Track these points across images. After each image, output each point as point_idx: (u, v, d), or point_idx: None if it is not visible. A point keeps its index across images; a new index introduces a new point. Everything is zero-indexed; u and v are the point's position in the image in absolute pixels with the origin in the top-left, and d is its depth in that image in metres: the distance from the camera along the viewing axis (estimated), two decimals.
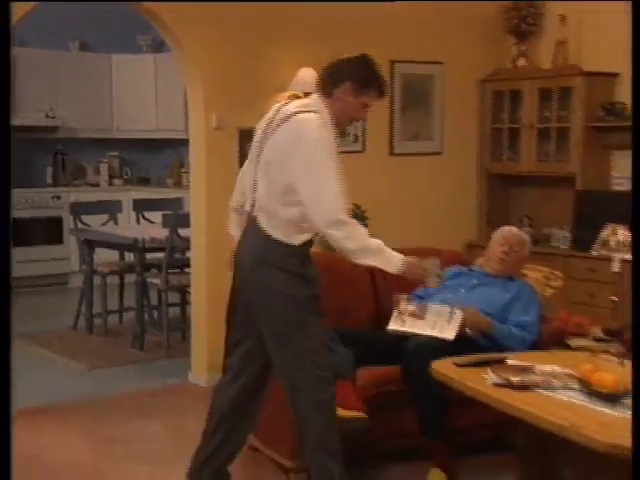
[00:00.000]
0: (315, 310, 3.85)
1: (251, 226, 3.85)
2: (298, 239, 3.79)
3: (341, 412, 4.09)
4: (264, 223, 3.79)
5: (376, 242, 3.81)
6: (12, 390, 2.36)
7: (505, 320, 4.71)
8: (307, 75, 6.53)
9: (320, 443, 3.86)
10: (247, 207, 3.89)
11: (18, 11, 5.23)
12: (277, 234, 3.76)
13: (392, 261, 3.85)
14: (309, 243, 3.87)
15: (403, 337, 4.51)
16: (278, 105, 3.94)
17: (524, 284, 5.00)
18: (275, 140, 3.82)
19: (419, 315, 4.52)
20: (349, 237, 3.71)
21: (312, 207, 3.69)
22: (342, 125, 4.01)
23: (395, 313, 4.60)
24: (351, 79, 3.84)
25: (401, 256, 3.86)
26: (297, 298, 3.77)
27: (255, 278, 3.81)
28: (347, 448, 3.95)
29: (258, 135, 3.94)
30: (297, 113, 3.80)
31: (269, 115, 3.93)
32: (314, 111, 3.81)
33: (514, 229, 5.22)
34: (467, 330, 4.52)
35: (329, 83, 3.89)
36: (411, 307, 4.56)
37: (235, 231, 4.02)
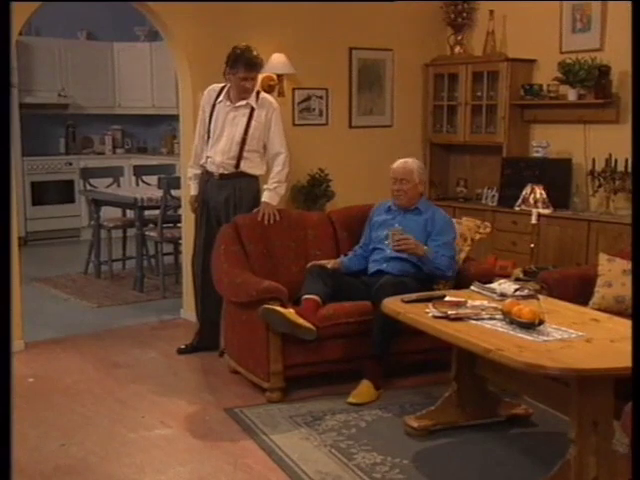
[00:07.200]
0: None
1: None
2: None
3: (297, 319, 4.19)
4: None
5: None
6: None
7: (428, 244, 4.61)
8: (278, 59, 6.48)
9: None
10: None
11: (29, 7, 5.21)
12: None
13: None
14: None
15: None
16: None
17: (433, 211, 4.80)
18: None
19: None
20: None
21: None
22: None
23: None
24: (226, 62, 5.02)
25: None
26: None
27: None
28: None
29: None
30: None
31: None
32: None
33: (401, 161, 4.83)
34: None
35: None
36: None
37: None
